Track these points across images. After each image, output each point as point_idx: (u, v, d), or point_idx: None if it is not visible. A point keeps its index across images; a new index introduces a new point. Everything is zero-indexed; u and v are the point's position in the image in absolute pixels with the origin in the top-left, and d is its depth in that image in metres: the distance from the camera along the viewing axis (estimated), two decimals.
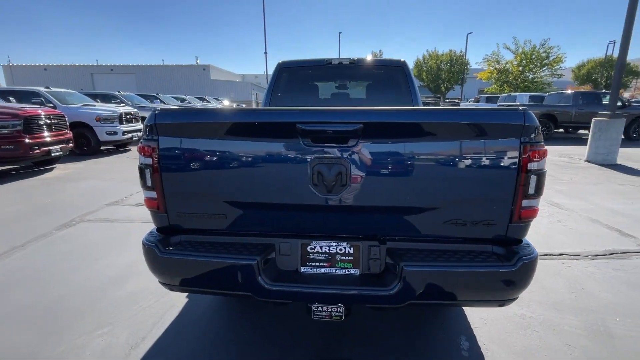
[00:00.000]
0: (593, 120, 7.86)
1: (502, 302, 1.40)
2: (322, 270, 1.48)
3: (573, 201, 4.66)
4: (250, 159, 1.41)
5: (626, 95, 35.71)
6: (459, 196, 1.36)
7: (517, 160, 1.29)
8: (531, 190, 1.32)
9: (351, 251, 1.46)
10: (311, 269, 1.48)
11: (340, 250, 1.46)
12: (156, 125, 1.41)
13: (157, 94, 15.79)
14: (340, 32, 33.60)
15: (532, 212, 1.36)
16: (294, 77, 3.34)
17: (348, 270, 1.47)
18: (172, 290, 1.59)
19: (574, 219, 4.00)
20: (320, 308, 1.40)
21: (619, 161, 7.62)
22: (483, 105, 17.26)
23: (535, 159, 1.29)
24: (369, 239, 1.46)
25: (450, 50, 31.73)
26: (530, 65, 31.95)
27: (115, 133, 8.82)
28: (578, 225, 3.81)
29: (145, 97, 14.23)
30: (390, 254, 1.43)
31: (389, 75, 3.33)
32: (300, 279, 1.45)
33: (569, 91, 14.57)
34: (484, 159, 1.30)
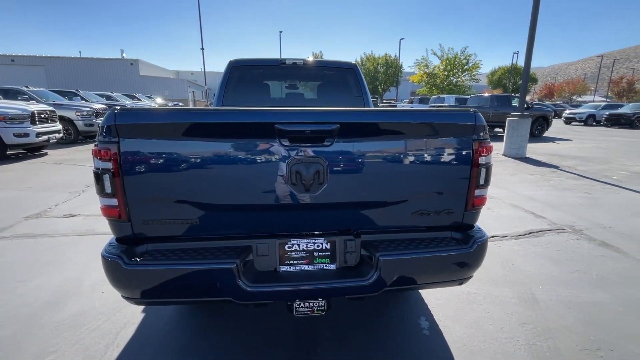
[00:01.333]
0: (507, 119, 9.07)
1: (461, 281, 1.59)
2: (300, 267, 1.50)
3: (497, 190, 5.36)
4: (223, 160, 1.37)
5: (527, 98, 42.04)
6: (423, 189, 1.50)
7: (470, 155, 1.47)
8: (482, 182, 1.52)
9: (328, 246, 1.51)
10: (290, 267, 1.50)
11: (318, 246, 1.51)
12: (117, 125, 1.29)
13: (77, 90, 13.93)
14: (280, 32, 33.43)
15: (483, 200, 1.57)
16: (247, 75, 3.27)
17: (326, 265, 1.52)
18: (138, 304, 1.47)
19: (499, 206, 4.61)
20: (302, 304, 1.42)
21: (528, 155, 8.95)
22: (420, 106, 18.65)
23: (484, 154, 1.49)
24: (344, 233, 1.53)
25: (386, 54, 33.83)
26: (454, 71, 35.48)
27: (26, 135, 7.59)
28: (503, 211, 4.40)
29: (62, 93, 12.44)
30: (364, 246, 1.52)
31: (341, 77, 3.46)
32: (280, 278, 1.46)
33: (486, 94, 16.63)
34: (444, 154, 1.47)
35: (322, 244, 1.51)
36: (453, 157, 1.47)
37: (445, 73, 35.56)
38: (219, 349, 1.91)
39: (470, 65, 35.52)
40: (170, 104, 19.89)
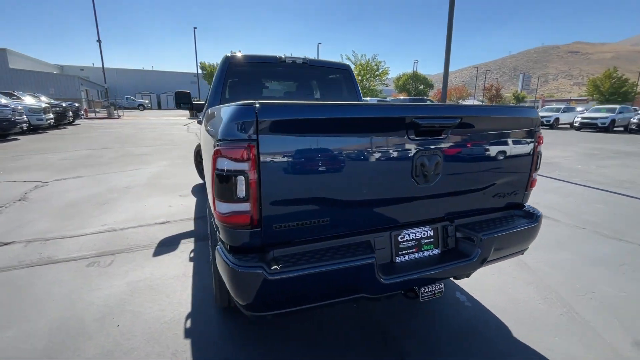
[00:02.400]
0: None
1: (524, 250, 1.89)
2: (412, 256, 1.59)
3: None
4: (356, 155, 1.37)
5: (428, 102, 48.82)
6: (503, 174, 1.75)
7: (534, 143, 1.77)
8: (538, 166, 1.84)
9: (432, 233, 1.63)
10: (403, 257, 1.57)
11: (424, 234, 1.61)
12: (258, 122, 1.17)
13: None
14: (195, 28, 31.10)
15: (535, 182, 1.90)
16: (244, 72, 3.11)
17: (432, 251, 1.64)
18: (269, 318, 1.33)
19: None
20: (427, 289, 1.51)
21: None
22: None
23: (540, 143, 1.81)
24: (442, 220, 1.67)
25: (305, 57, 34.84)
26: (367, 76, 38.51)
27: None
28: None
29: None
30: (458, 230, 1.69)
31: (336, 77, 3.56)
32: (397, 269, 1.52)
33: (402, 97, 18.68)
34: (519, 143, 1.74)
35: (427, 231, 1.62)
36: (523, 145, 1.76)
37: (359, 78, 38.36)
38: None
39: (380, 71, 39.11)
40: (64, 104, 16.62)
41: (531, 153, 1.81)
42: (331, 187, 1.36)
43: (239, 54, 3.10)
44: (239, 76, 3.10)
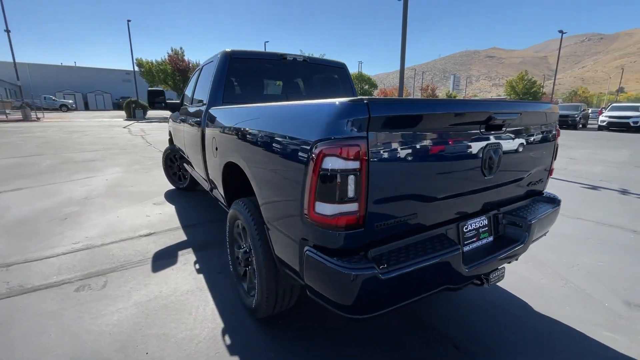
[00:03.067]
0: None
1: (547, 232, 2.10)
2: (473, 245, 1.66)
3: None
4: (446, 151, 1.40)
5: None
6: (538, 164, 1.93)
7: (555, 135, 1.98)
8: (555, 156, 2.06)
9: (486, 222, 1.73)
10: (468, 247, 1.64)
11: (481, 224, 1.71)
12: (370, 118, 1.12)
13: None
14: (129, 20, 28.11)
15: (553, 170, 2.12)
16: (246, 69, 2.94)
17: (487, 239, 1.73)
18: (371, 318, 1.28)
19: None
20: (494, 274, 1.60)
21: None
22: None
23: (558, 135, 2.03)
24: (493, 209, 1.77)
25: (303, 55, 33.92)
26: None
27: None
28: None
29: None
30: (505, 217, 1.81)
31: (333, 75, 3.55)
32: (469, 258, 1.58)
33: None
34: (547, 135, 1.93)
35: (482, 221, 1.71)
36: (548, 137, 1.95)
37: None
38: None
39: None
40: None
41: (553, 143, 2.03)
42: (424, 182, 1.37)
43: (240, 50, 2.92)
44: (240, 73, 2.92)
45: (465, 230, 1.63)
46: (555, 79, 38.45)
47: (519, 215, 1.80)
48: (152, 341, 1.91)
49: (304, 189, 1.25)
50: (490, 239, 1.76)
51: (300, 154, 1.27)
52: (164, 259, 2.93)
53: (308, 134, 1.25)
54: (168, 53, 29.69)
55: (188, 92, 4.14)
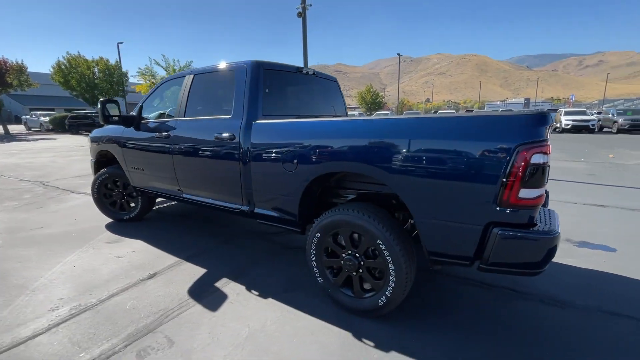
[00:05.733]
0: None
1: None
2: None
3: None
4: None
5: None
6: None
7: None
8: None
9: None
10: None
11: None
12: (550, 126, 1.57)
13: None
14: None
15: None
16: (272, 80, 2.88)
17: None
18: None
19: None
20: None
21: None
22: None
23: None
24: None
25: (102, 58, 28.05)
26: None
27: None
28: None
29: None
30: None
31: (332, 88, 3.78)
32: None
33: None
34: None
35: None
36: None
37: None
38: None
39: None
40: None
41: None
42: None
43: (267, 61, 2.79)
44: (271, 85, 2.81)
45: None
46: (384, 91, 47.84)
47: None
48: None
49: (502, 183, 1.59)
50: None
51: (497, 155, 1.59)
52: (206, 296, 2.53)
53: (507, 139, 1.58)
54: None
55: (163, 105, 3.53)
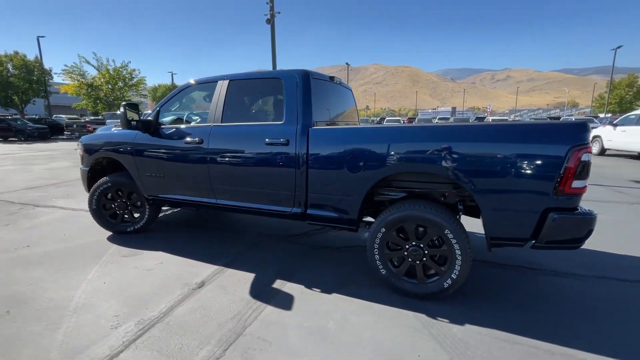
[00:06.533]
0: None
1: None
2: None
3: None
4: None
5: None
6: None
7: None
8: None
9: None
10: None
11: None
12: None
13: None
14: None
15: None
16: (316, 88, 3.05)
17: None
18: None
19: None
20: None
21: None
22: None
23: None
24: None
25: (17, 52, 24.14)
26: (120, 84, 32.96)
27: None
28: None
29: None
30: None
31: (350, 96, 4.02)
32: None
33: None
34: None
35: None
36: None
37: (110, 87, 32.09)
38: None
39: (135, 80, 34.45)
40: None
41: None
42: None
43: (312, 71, 2.93)
44: (315, 93, 2.95)
45: None
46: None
47: None
48: None
49: (559, 175, 2.02)
50: None
51: (556, 155, 2.01)
52: (272, 297, 2.57)
53: (563, 142, 2.01)
54: None
55: (182, 110, 3.42)
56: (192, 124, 3.55)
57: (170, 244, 3.65)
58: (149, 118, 3.42)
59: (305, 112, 2.79)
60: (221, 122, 3.13)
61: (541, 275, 2.94)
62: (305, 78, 2.86)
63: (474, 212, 2.83)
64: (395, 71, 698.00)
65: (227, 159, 3.06)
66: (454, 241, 2.33)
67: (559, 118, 22.01)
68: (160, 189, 3.56)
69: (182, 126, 3.39)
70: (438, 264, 2.47)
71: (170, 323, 2.25)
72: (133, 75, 34.28)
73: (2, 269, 3.04)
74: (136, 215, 3.96)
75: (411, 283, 2.55)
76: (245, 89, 3.17)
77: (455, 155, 2.26)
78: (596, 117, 23.26)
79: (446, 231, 2.34)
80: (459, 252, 2.33)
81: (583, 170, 2.05)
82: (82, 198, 5.69)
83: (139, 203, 3.89)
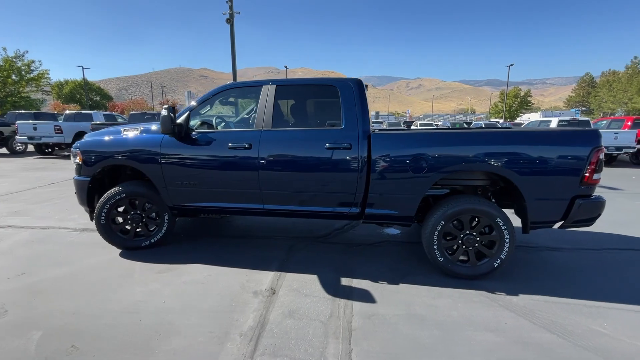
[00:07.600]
0: None
1: None
2: None
3: None
4: None
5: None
6: None
7: None
8: None
9: None
10: None
11: None
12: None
13: None
14: None
15: None
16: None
17: None
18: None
19: None
20: None
21: None
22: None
23: None
24: None
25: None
26: (14, 78, 27.62)
27: None
28: None
29: None
30: None
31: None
32: None
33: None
34: None
35: None
36: None
37: (0, 79, 26.55)
38: None
39: (34, 73, 29.11)
40: None
41: None
42: None
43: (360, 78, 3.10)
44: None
45: None
46: None
47: None
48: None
49: (583, 170, 2.63)
50: None
51: (580, 154, 2.61)
52: (355, 294, 2.70)
53: (587, 144, 2.61)
54: None
55: (250, 117, 3.29)
56: (233, 128, 3.41)
57: (199, 255, 3.44)
58: (180, 122, 3.19)
59: (364, 118, 2.99)
60: (271, 127, 3.11)
61: (541, 252, 3.65)
62: (360, 86, 3.06)
63: (500, 204, 3.38)
64: (322, 76, 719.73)
65: (281, 164, 3.06)
66: (503, 227, 2.80)
67: (470, 123, 25.64)
68: (191, 198, 3.33)
69: (223, 130, 3.25)
70: (487, 247, 2.93)
71: (274, 330, 2.23)
72: (32, 68, 29.02)
73: (19, 301, 2.53)
74: (152, 228, 3.60)
75: (465, 267, 2.95)
76: (295, 95, 3.21)
77: (511, 157, 2.74)
78: (497, 122, 27.79)
79: (497, 219, 2.80)
80: (508, 236, 2.82)
81: (600, 166, 2.71)
82: (38, 214, 4.85)
83: (154, 214, 3.55)
